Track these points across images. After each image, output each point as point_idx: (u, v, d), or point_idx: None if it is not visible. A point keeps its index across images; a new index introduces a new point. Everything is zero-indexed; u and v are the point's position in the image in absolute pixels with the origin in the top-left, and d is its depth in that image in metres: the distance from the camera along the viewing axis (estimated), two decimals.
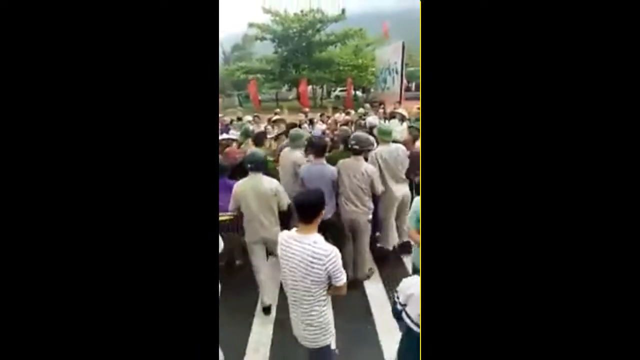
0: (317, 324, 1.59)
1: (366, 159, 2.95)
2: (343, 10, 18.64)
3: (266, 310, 2.74)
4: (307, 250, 1.49)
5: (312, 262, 1.48)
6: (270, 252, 2.74)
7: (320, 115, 6.78)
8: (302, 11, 18.45)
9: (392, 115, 5.93)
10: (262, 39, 19.55)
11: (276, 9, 18.52)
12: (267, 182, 2.55)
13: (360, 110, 7.26)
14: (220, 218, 2.75)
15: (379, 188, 2.87)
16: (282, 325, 2.38)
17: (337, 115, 6.90)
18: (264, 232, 2.57)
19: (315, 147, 2.86)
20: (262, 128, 5.02)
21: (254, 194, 2.52)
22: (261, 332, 2.53)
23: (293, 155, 3.11)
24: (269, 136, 4.22)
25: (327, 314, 1.62)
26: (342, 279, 1.52)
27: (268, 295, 2.77)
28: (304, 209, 1.54)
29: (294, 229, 1.61)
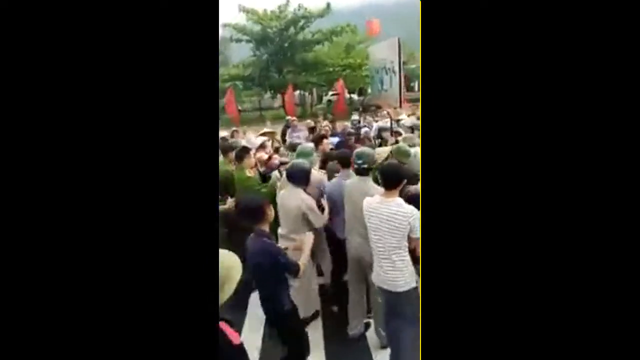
0: (405, 270, 1.99)
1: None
2: (328, 4, 16.49)
3: None
4: (394, 211, 1.93)
5: (399, 219, 1.91)
6: None
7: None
8: (280, 7, 16.28)
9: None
10: (238, 40, 17.37)
11: (253, 7, 16.39)
12: (299, 200, 2.38)
13: (354, 117, 6.83)
14: None
15: None
16: None
17: (325, 123, 6.28)
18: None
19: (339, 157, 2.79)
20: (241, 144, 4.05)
21: (283, 209, 2.45)
22: None
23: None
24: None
25: (409, 261, 2.00)
26: (419, 231, 1.89)
27: None
28: (388, 179, 1.99)
29: (377, 196, 2.01)
